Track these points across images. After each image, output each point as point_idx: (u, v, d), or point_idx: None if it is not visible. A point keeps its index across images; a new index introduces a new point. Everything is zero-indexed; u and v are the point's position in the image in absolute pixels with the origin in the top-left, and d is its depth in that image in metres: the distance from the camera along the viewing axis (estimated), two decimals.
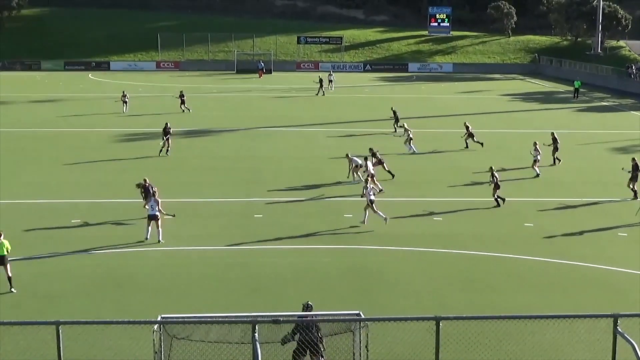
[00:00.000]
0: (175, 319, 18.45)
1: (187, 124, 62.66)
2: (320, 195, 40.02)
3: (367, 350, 17.98)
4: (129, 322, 16.46)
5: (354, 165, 42.47)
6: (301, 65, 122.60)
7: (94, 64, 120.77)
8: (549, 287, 27.54)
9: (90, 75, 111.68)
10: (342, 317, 19.18)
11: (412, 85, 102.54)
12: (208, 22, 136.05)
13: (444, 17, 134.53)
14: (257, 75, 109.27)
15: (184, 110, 70.35)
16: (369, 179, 37.78)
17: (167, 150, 49.87)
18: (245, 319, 17.47)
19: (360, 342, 18.09)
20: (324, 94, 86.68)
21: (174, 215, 33.57)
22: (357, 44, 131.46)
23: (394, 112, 60.15)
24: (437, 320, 15.55)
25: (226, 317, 19.07)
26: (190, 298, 26.11)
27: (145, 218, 32.56)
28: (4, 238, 26.93)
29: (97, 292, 26.70)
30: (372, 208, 34.38)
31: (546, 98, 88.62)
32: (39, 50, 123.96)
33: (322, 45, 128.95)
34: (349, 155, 43.09)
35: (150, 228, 32.25)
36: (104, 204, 37.98)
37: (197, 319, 18.06)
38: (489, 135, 57.26)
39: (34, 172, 45.31)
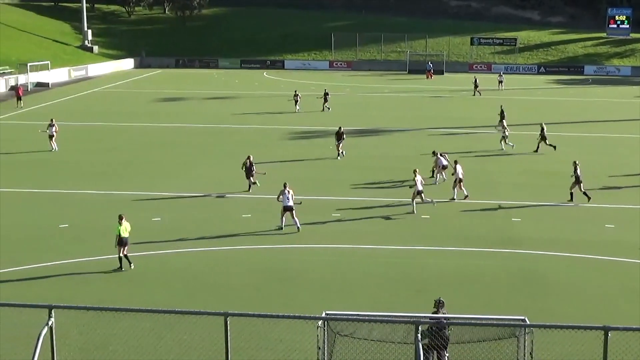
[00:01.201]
0: (339, 316, 18.64)
1: (357, 124, 63.20)
2: (490, 198, 39.55)
3: (532, 357, 17.68)
4: (294, 317, 16.74)
5: (440, 165, 42.23)
6: (473, 66, 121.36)
7: (269, 62, 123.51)
8: None
9: (265, 73, 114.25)
10: (506, 322, 18.94)
11: (587, 88, 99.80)
12: (381, 21, 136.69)
13: (624, 18, 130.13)
14: (426, 76, 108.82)
15: (323, 109, 71.30)
16: (416, 171, 37.71)
17: (339, 153, 49.75)
18: (409, 320, 17.51)
19: (524, 348, 17.81)
20: (479, 94, 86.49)
21: (300, 203, 34.41)
22: (531, 45, 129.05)
23: (502, 111, 59.53)
24: (606, 330, 15.11)
25: (390, 316, 19.15)
26: (355, 295, 26.33)
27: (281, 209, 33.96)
28: (126, 221, 28.80)
29: (265, 285, 27.31)
30: (421, 197, 36.52)
31: None
32: (217, 48, 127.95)
33: (496, 46, 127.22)
34: (437, 154, 42.95)
35: (284, 219, 33.70)
36: (272, 200, 38.72)
37: (361, 317, 18.18)
38: None
39: (206, 166, 46.69)
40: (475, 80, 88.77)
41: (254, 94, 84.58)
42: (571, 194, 38.98)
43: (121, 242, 28.38)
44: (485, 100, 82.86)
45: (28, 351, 15.82)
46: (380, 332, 17.64)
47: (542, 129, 51.81)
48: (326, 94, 72.88)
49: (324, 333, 17.77)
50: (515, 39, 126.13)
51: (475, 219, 35.90)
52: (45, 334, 15.61)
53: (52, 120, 52.31)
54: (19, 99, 73.44)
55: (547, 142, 51.49)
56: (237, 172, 44.71)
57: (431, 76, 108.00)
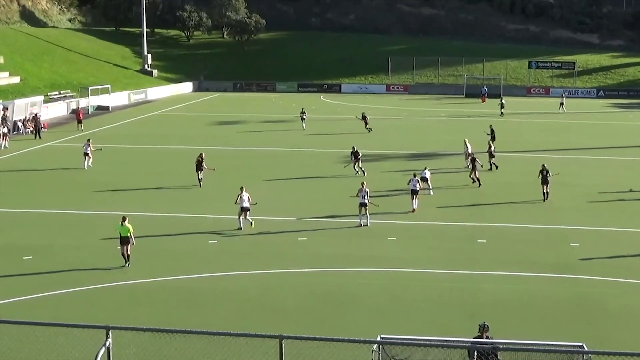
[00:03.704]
0: (394, 340, 18.57)
1: (411, 147, 63.17)
2: (548, 223, 39.20)
3: None
4: (349, 341, 16.69)
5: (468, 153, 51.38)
6: (531, 90, 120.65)
7: (326, 86, 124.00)
8: None
9: (322, 97, 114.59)
10: (564, 348, 18.70)
11: None
12: (438, 45, 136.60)
13: None
14: (481, 100, 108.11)
15: (369, 130, 72.07)
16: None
17: (359, 170, 51.37)
18: (464, 344, 17.37)
19: None
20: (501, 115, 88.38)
21: (255, 204, 37.98)
22: (590, 69, 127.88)
23: (492, 130, 61.47)
24: None
25: (445, 340, 19.04)
26: (410, 320, 26.22)
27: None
28: (128, 222, 31.31)
29: (319, 308, 27.33)
30: (360, 209, 38.09)
31: None
32: (274, 72, 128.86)
33: (554, 70, 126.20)
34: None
35: (241, 218, 36.98)
36: (328, 222, 38.80)
37: (416, 341, 18.09)
38: None
39: (263, 189, 46.85)
40: (501, 99, 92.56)
41: (311, 118, 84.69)
42: (544, 194, 43.75)
43: (123, 240, 31.13)
44: (542, 124, 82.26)
45: None
46: (435, 357, 17.52)
47: (490, 147, 54.54)
48: (364, 117, 73.67)
49: (379, 357, 17.71)
50: (574, 63, 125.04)
51: (532, 243, 35.57)
52: (102, 355, 15.77)
53: (88, 140, 55.36)
54: (79, 122, 74.61)
55: (491, 160, 53.83)
56: (290, 196, 44.93)
57: (485, 100, 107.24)
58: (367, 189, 38.18)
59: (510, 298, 28.38)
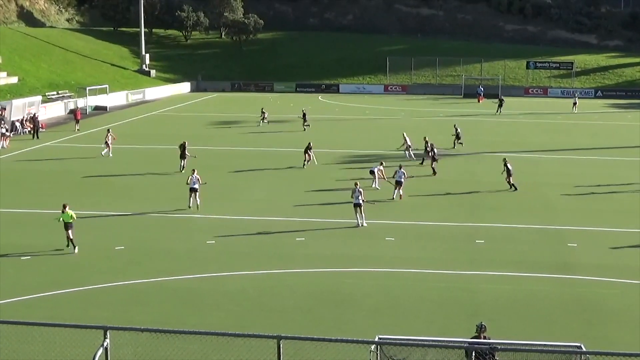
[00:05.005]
0: (392, 340, 18.58)
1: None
2: (546, 223, 39.22)
3: None
4: (347, 341, 16.70)
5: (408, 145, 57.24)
6: (529, 90, 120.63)
7: (324, 86, 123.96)
8: None
9: (319, 97, 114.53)
10: (561, 349, 18.71)
11: None
12: (436, 45, 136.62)
13: None
14: (477, 100, 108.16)
15: (305, 129, 74.34)
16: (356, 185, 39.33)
17: (306, 163, 54.64)
18: (462, 345, 17.37)
19: None
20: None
21: (205, 183, 41.40)
22: (588, 69, 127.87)
23: (456, 129, 64.27)
24: None
25: (443, 341, 19.06)
26: (408, 320, 26.21)
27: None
28: (69, 209, 33.29)
29: (317, 308, 27.32)
30: (356, 210, 38.11)
31: None
32: (272, 72, 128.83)
33: (552, 70, 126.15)
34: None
35: (191, 199, 40.72)
36: (326, 222, 38.78)
37: (414, 342, 18.10)
38: None
39: (262, 190, 46.89)
40: (500, 97, 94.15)
41: (310, 118, 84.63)
42: (513, 185, 46.35)
43: (67, 226, 33.05)
44: (540, 124, 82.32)
45: None
46: (434, 357, 17.53)
47: (426, 143, 55.01)
48: (304, 115, 76.29)
49: (377, 357, 17.71)
50: (572, 63, 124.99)
51: (530, 243, 35.57)
52: (100, 355, 15.77)
53: (109, 130, 60.11)
54: (77, 122, 74.49)
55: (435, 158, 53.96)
56: (288, 196, 44.89)
57: (481, 100, 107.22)
58: (360, 189, 38.13)
59: (508, 298, 28.38)
